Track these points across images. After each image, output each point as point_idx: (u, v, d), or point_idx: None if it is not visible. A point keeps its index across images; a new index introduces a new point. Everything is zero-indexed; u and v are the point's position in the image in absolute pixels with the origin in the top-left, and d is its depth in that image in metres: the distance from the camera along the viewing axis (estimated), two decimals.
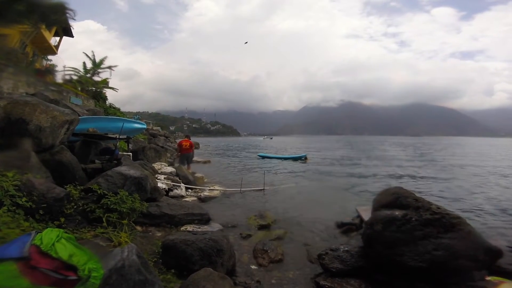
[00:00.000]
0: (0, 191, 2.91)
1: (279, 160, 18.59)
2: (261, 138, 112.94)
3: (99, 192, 3.96)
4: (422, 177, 12.34)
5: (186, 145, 10.08)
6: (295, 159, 18.56)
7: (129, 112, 44.32)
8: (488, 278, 2.95)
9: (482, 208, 7.01)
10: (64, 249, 1.60)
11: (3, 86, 9.44)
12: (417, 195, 3.56)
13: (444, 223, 3.03)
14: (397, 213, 3.26)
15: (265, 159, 20.13)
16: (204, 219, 5.06)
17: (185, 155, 10.07)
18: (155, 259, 3.30)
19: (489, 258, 3.01)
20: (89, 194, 4.05)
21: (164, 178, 7.95)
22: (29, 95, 6.79)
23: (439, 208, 3.20)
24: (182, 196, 7.23)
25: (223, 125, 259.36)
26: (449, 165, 17.55)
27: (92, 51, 22.30)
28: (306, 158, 18.30)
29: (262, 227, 5.24)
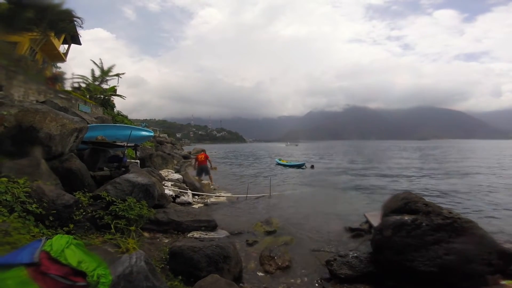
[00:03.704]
0: (12, 198, 2.97)
1: (289, 167, 18.47)
2: (282, 145, 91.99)
3: (107, 199, 4.00)
4: (431, 182, 12.14)
5: (201, 158, 10.97)
6: (299, 166, 18.42)
7: (136, 119, 44.76)
8: (503, 282, 2.87)
9: (494, 211, 6.85)
10: (74, 256, 1.61)
11: (14, 94, 9.66)
12: (427, 199, 3.51)
13: (456, 228, 2.98)
14: (407, 218, 3.21)
15: (277, 165, 20.13)
16: (211, 226, 5.05)
17: (200, 167, 10.85)
18: (163, 265, 3.30)
19: (503, 262, 2.95)
20: (98, 201, 4.09)
21: (171, 184, 7.99)
22: (39, 103, 6.94)
23: (451, 212, 3.15)
24: (189, 203, 7.24)
25: (228, 131, 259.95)
26: (459, 168, 17.24)
27: (100, 59, 22.75)
28: (312, 167, 18.18)
29: (268, 233, 5.21)
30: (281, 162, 21.07)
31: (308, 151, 46.58)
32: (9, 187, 3.11)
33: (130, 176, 4.73)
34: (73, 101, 14.62)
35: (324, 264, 3.75)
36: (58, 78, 16.49)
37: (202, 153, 11.57)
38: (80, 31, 18.89)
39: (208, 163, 10.91)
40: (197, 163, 11.06)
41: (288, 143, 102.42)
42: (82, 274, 1.56)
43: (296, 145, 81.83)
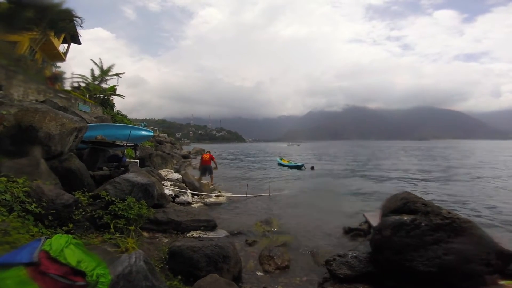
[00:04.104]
0: (11, 197, 2.97)
1: (288, 168, 18.49)
2: (284, 145, 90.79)
3: (107, 198, 4.00)
4: (430, 182, 12.15)
5: (205, 158, 11.04)
6: (298, 167, 18.42)
7: (135, 119, 44.57)
8: (502, 282, 2.88)
9: (493, 211, 6.86)
10: (73, 255, 1.61)
11: (13, 93, 9.64)
12: (426, 200, 3.51)
13: (455, 228, 2.98)
14: (406, 218, 3.21)
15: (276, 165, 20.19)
16: (210, 226, 5.05)
17: (204, 166, 10.92)
18: (162, 265, 3.30)
19: (502, 262, 2.95)
20: (97, 200, 4.09)
21: (171, 184, 7.99)
22: (39, 103, 6.93)
23: (449, 212, 3.15)
24: (189, 203, 7.24)
25: (228, 131, 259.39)
26: (459, 169, 17.25)
27: (100, 58, 22.66)
28: (312, 168, 18.19)
29: (268, 233, 5.21)
30: (282, 161, 21.08)
31: (309, 151, 46.59)
32: (8, 187, 3.10)
33: (129, 175, 4.73)
34: (73, 101, 14.58)
35: (323, 264, 3.75)
36: (58, 77, 16.44)
37: (207, 153, 11.64)
38: (80, 31, 18.91)
39: (212, 163, 10.96)
40: (201, 162, 11.11)
41: (290, 143, 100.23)
42: (82, 274, 1.56)
43: (298, 145, 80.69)
